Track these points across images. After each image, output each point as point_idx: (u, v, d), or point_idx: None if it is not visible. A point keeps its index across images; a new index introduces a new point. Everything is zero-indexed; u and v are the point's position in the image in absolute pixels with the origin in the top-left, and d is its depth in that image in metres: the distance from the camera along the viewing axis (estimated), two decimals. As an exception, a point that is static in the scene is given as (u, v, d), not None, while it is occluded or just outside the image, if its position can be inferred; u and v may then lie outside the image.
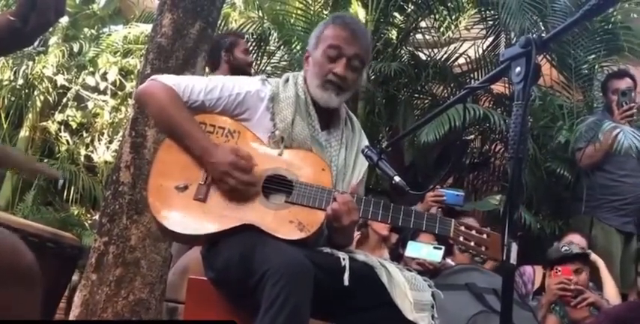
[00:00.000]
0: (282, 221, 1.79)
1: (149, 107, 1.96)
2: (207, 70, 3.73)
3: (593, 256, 3.61)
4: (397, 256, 3.24)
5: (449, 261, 3.11)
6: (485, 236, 1.86)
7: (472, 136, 5.33)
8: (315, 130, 1.95)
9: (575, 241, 3.64)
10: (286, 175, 1.85)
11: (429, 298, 1.83)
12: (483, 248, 1.85)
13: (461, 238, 1.85)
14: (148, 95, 1.92)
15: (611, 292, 3.39)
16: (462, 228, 1.85)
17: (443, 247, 2.95)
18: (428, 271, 2.97)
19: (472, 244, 1.85)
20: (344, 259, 1.77)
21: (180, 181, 1.84)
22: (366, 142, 2.09)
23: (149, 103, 1.93)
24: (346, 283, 1.72)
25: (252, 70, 5.34)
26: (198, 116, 1.90)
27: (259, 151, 1.89)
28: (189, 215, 1.81)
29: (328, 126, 2.01)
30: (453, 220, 1.88)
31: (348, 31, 1.92)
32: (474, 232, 1.86)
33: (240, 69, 3.73)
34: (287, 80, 2.00)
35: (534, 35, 1.35)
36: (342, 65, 1.91)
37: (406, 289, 1.77)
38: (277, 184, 1.85)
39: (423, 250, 2.96)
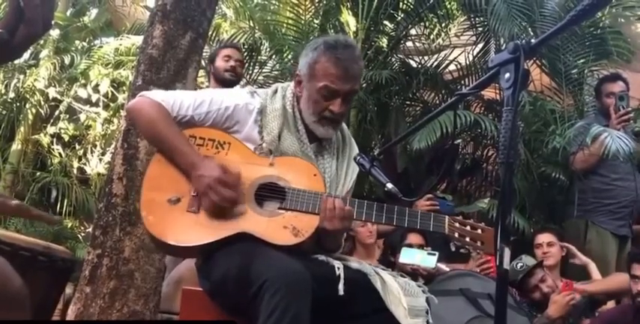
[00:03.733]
0: (276, 228, 1.80)
1: (138, 123, 1.97)
2: (198, 81, 3.74)
3: (584, 259, 3.63)
4: (388, 263, 3.24)
5: (443, 267, 3.11)
6: (479, 231, 1.86)
7: (460, 141, 5.35)
8: (305, 145, 1.95)
9: (545, 240, 3.67)
10: (278, 183, 1.86)
11: (424, 303, 1.83)
12: (479, 243, 1.85)
13: (456, 234, 1.85)
14: (137, 111, 1.93)
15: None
16: (457, 224, 1.86)
17: (437, 253, 2.95)
18: (422, 276, 2.96)
19: (467, 239, 1.85)
20: (339, 268, 1.77)
21: (172, 194, 1.84)
22: (356, 149, 2.10)
23: (138, 118, 1.94)
24: (341, 292, 1.72)
25: (244, 80, 5.37)
26: (188, 130, 1.91)
27: (250, 160, 1.89)
28: (183, 227, 1.81)
29: (318, 138, 2.00)
30: (447, 216, 1.88)
31: (340, 68, 1.88)
32: (468, 227, 1.86)
33: (219, 77, 3.74)
34: (275, 91, 2.00)
35: (523, 41, 1.35)
36: (338, 104, 1.91)
37: (400, 296, 1.78)
38: (270, 192, 1.85)
39: (417, 256, 2.96)
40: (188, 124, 1.92)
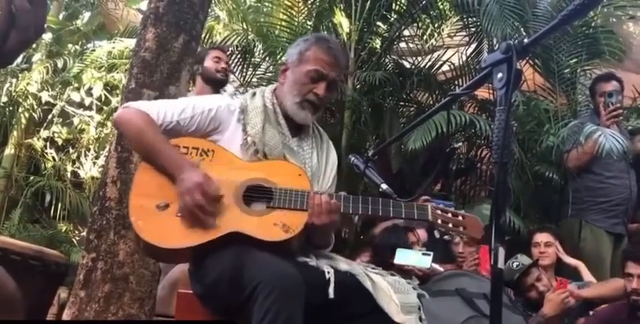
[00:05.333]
0: (266, 225, 1.82)
1: (126, 133, 2.00)
2: (191, 83, 3.73)
3: (574, 261, 3.64)
4: (382, 265, 3.23)
5: (438, 267, 3.11)
6: (460, 218, 1.93)
7: (460, 144, 5.37)
8: (286, 137, 2.02)
9: (543, 240, 3.68)
10: (264, 184, 1.89)
11: (415, 299, 1.86)
12: (461, 228, 1.92)
13: (439, 221, 1.91)
14: (123, 122, 1.97)
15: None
16: (439, 212, 1.92)
17: (431, 254, 2.95)
18: (417, 277, 2.96)
19: (450, 225, 1.91)
20: (328, 272, 1.79)
21: (160, 200, 1.85)
22: (332, 147, 2.18)
23: (125, 128, 1.97)
24: (331, 296, 1.74)
25: (238, 82, 5.36)
26: (172, 140, 1.94)
27: (235, 165, 1.92)
28: (174, 231, 1.82)
29: (299, 133, 2.08)
30: (430, 204, 1.94)
31: (331, 56, 2.02)
32: (449, 215, 1.93)
33: (210, 78, 3.71)
34: (254, 94, 2.09)
35: (515, 41, 1.36)
36: (323, 88, 2.00)
37: (391, 293, 1.80)
38: (257, 193, 1.88)
39: (411, 257, 2.96)
40: (173, 132, 1.95)
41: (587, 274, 3.55)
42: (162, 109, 1.95)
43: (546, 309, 3.09)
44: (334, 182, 2.10)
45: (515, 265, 3.40)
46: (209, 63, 3.74)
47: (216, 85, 3.68)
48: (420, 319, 1.82)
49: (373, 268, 1.94)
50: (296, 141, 2.05)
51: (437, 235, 1.93)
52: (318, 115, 2.08)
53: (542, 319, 3.09)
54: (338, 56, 2.04)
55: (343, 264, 1.88)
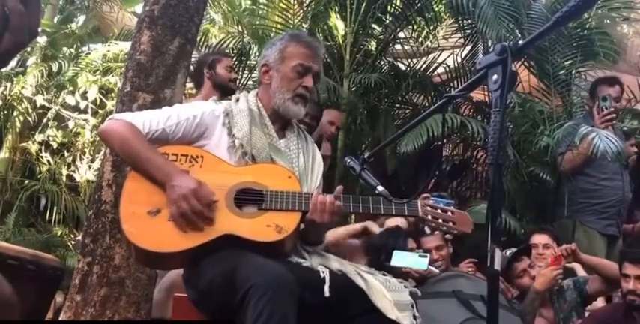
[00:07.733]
0: (259, 227, 1.84)
1: (112, 143, 2.01)
2: (187, 86, 3.71)
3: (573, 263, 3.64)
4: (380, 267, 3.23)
5: (434, 268, 3.11)
6: (450, 214, 1.97)
7: (444, 141, 5.36)
8: (273, 139, 2.05)
9: (542, 242, 3.68)
10: (255, 187, 1.90)
11: (408, 297, 1.87)
12: (451, 224, 1.95)
13: (429, 217, 1.94)
14: (109, 132, 1.98)
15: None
16: (429, 208, 1.96)
17: (428, 255, 2.95)
18: (414, 278, 2.96)
19: (440, 221, 1.94)
20: (323, 272, 1.81)
21: (151, 206, 1.86)
22: (317, 150, 2.22)
23: (111, 138, 1.98)
24: (327, 294, 1.75)
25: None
26: (160, 148, 1.95)
27: (225, 170, 1.94)
28: (166, 235, 1.83)
29: (284, 134, 2.12)
30: (419, 200, 1.99)
31: (311, 48, 2.12)
32: (439, 211, 1.96)
33: (222, 85, 3.68)
34: (238, 99, 2.12)
35: (510, 42, 1.36)
36: (310, 80, 2.08)
37: (383, 290, 1.82)
38: (248, 196, 1.89)
39: (408, 258, 2.95)
40: (160, 140, 1.96)
41: (582, 272, 3.55)
42: (148, 119, 1.97)
43: (538, 283, 3.11)
44: (322, 182, 2.14)
45: (507, 253, 3.41)
46: (222, 71, 3.70)
47: (224, 92, 3.66)
48: (415, 317, 1.82)
49: (367, 269, 1.95)
50: (283, 142, 2.08)
51: (428, 230, 1.95)
52: (307, 107, 2.17)
53: (535, 294, 3.11)
54: (317, 48, 2.14)
55: (335, 263, 1.90)
